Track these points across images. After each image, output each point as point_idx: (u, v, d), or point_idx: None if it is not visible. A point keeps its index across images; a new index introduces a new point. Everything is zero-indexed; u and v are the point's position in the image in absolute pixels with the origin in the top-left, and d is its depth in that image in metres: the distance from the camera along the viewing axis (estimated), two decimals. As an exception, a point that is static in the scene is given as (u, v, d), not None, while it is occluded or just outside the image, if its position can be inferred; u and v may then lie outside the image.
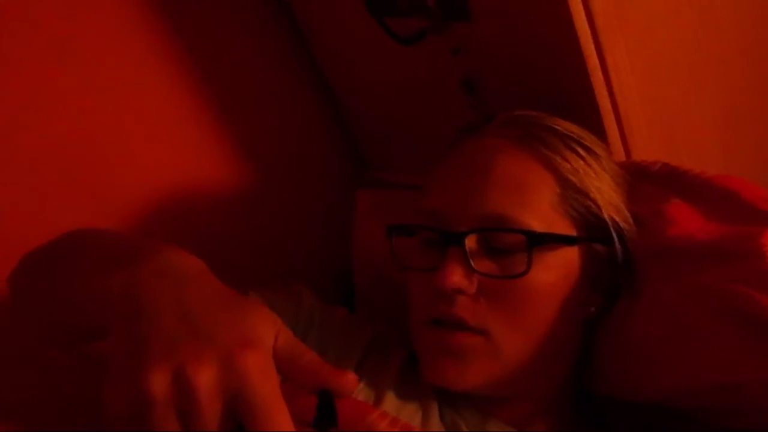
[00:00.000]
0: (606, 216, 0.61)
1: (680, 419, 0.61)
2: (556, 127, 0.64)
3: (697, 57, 0.81)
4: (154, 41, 0.86)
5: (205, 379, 0.35)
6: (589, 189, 0.61)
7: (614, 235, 0.61)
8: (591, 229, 0.61)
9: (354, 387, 0.40)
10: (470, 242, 0.58)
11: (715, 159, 0.86)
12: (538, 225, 0.58)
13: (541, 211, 0.59)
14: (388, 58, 0.88)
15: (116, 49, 0.83)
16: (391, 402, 0.61)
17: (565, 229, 0.60)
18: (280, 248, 0.98)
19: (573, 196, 0.60)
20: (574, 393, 0.67)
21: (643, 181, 0.67)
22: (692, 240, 0.57)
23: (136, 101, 0.85)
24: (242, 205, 0.94)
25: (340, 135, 1.05)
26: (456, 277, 0.57)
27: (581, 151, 0.63)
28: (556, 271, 0.59)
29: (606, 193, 0.62)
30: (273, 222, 0.97)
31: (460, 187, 0.61)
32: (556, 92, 0.73)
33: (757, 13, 0.90)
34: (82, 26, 0.80)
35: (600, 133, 0.72)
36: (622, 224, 0.62)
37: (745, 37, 0.88)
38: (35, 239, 0.58)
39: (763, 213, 0.56)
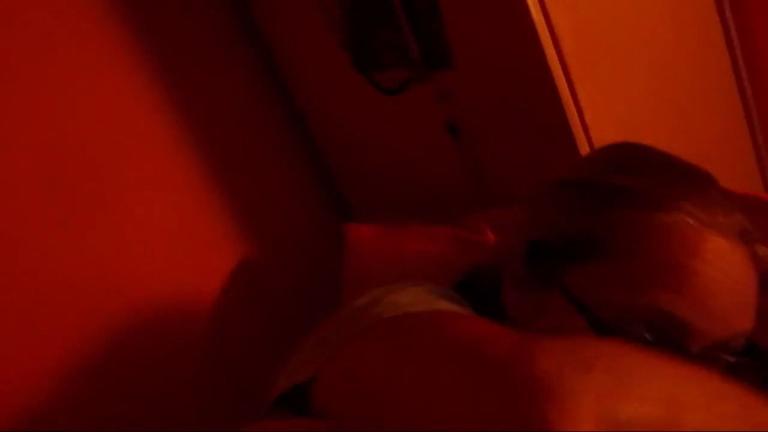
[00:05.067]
0: None
1: None
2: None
3: (662, 86, 0.88)
4: (150, 99, 0.89)
5: None
6: None
7: None
8: None
9: None
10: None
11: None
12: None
13: None
14: (372, 108, 0.93)
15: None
16: None
17: None
18: (268, 303, 0.99)
19: None
20: None
21: None
22: None
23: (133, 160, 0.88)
24: (230, 264, 0.96)
25: (324, 187, 1.08)
26: None
27: None
28: None
29: None
30: (258, 282, 0.98)
31: (717, 304, 0.49)
32: (533, 129, 0.79)
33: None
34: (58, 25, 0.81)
35: None
36: None
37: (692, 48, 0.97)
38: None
39: None
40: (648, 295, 0.48)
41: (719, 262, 0.49)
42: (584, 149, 0.78)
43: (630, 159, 0.57)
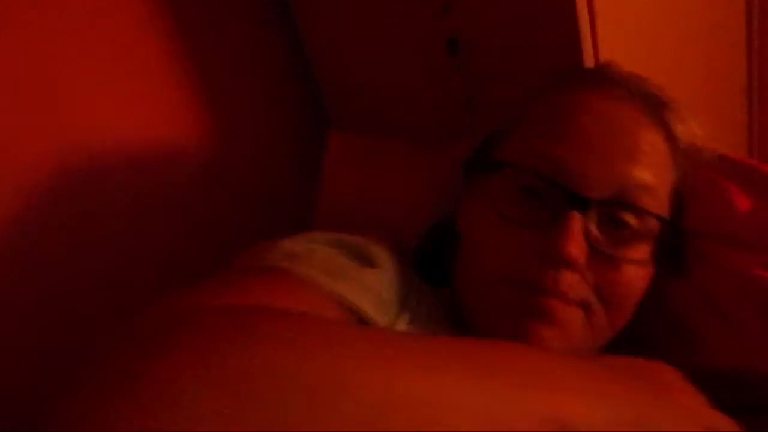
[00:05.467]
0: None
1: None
2: (672, 104, 0.59)
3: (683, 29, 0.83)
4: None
5: None
6: (687, 178, 0.59)
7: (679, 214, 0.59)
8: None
9: None
10: (595, 211, 0.53)
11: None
12: (664, 213, 0.56)
13: (665, 197, 0.57)
14: (371, 12, 0.86)
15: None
16: None
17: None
18: (240, 205, 0.94)
19: (679, 185, 0.58)
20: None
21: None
22: (741, 226, 0.57)
23: (98, 50, 0.79)
24: (204, 158, 0.90)
25: (305, 91, 1.01)
26: (577, 248, 0.51)
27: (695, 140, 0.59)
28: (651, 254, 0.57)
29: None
30: (231, 178, 0.93)
31: (600, 147, 0.54)
32: (541, 56, 0.73)
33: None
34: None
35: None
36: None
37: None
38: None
39: None
40: (537, 144, 0.55)
41: (604, 115, 0.55)
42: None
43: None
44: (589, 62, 0.71)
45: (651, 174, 0.54)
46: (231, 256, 0.53)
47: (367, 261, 0.54)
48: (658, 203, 0.55)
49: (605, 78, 0.59)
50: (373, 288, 0.51)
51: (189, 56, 0.88)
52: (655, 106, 0.57)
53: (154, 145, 0.85)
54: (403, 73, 0.88)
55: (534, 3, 0.72)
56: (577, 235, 0.51)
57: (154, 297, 0.39)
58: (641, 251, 0.55)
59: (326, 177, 0.77)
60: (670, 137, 0.57)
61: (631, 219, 0.54)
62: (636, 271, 0.54)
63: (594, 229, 0.53)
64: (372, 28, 0.88)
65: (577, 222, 0.51)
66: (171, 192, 0.87)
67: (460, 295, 0.58)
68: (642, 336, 0.60)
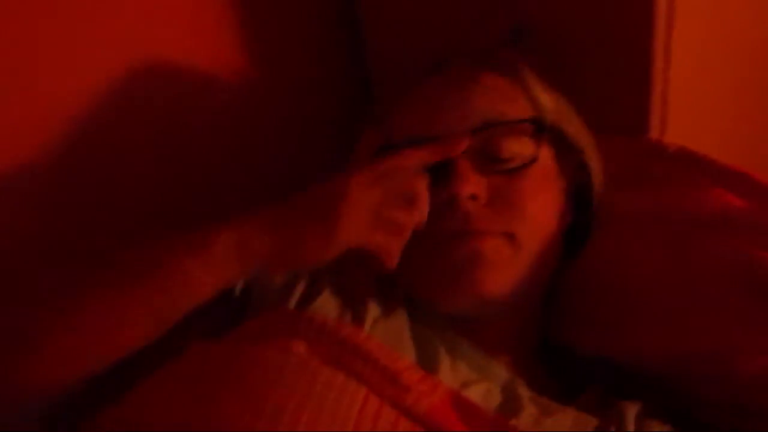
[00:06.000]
0: (580, 145, 0.65)
1: (637, 382, 0.62)
2: (525, 64, 0.66)
3: (759, 48, 0.79)
4: None
5: None
6: (567, 117, 0.65)
7: (588, 165, 0.65)
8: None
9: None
10: (472, 147, 0.59)
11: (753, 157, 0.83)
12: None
13: (523, 110, 0.63)
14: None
15: None
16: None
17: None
18: (271, 173, 0.92)
19: (547, 114, 0.63)
20: (538, 339, 0.67)
21: (657, 159, 0.68)
22: (704, 209, 0.60)
23: None
24: (242, 91, 0.88)
25: (356, 68, 0.99)
26: (470, 182, 0.58)
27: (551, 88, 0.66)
28: (547, 166, 0.63)
29: (581, 127, 0.66)
30: (270, 111, 0.92)
31: (443, 104, 0.62)
32: (607, 53, 0.71)
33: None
34: None
35: (642, 106, 0.71)
36: (593, 165, 0.66)
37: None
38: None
39: None
40: (405, 121, 0.64)
41: (448, 80, 0.64)
42: (657, 88, 0.70)
43: None
44: (659, 59, 0.68)
45: (497, 96, 0.62)
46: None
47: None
48: (517, 113, 0.61)
49: (448, 62, 0.68)
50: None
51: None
52: (499, 63, 0.65)
53: (195, 72, 0.84)
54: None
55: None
56: (465, 171, 0.58)
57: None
58: (527, 149, 0.60)
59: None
60: (517, 79, 0.64)
61: (500, 135, 0.60)
62: (533, 176, 0.60)
63: (478, 160, 0.59)
64: (432, 14, 0.85)
65: (459, 162, 0.58)
66: (209, 118, 0.86)
67: (411, 279, 0.62)
68: (571, 317, 0.66)
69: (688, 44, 0.69)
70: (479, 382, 0.57)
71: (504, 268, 0.59)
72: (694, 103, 0.75)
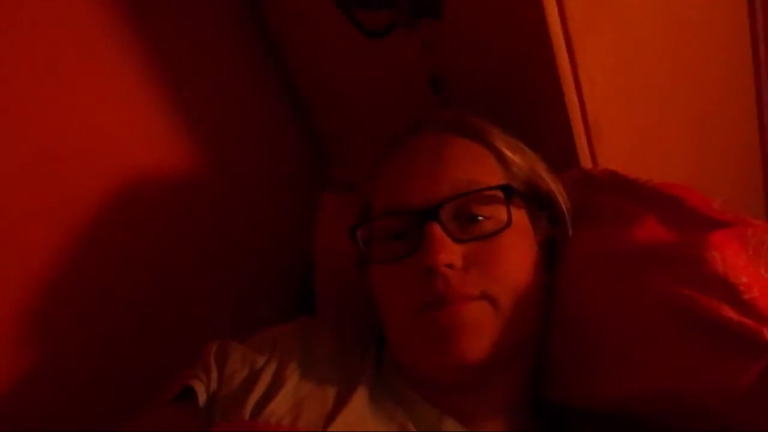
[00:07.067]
0: (552, 197, 0.65)
1: (633, 428, 0.61)
2: (493, 126, 0.67)
3: (671, 61, 0.80)
4: (117, 32, 0.82)
5: None
6: (537, 173, 0.65)
7: (561, 207, 0.65)
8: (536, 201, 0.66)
9: None
10: (446, 215, 0.60)
11: (685, 165, 0.84)
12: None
13: (498, 178, 0.63)
14: (354, 53, 0.85)
15: (79, 38, 0.79)
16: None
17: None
18: (239, 245, 0.95)
19: (518, 175, 0.64)
20: (530, 397, 0.66)
21: (592, 189, 0.67)
22: (638, 244, 0.59)
23: (98, 91, 0.81)
24: (200, 200, 0.91)
25: (301, 131, 1.02)
26: (445, 251, 0.58)
27: (519, 144, 0.67)
28: (521, 227, 0.63)
29: (549, 177, 0.66)
30: (231, 218, 0.94)
31: (417, 173, 0.63)
32: (523, 93, 0.72)
33: (731, 17, 0.89)
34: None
35: (567, 137, 0.71)
36: (564, 204, 0.66)
37: (718, 41, 0.87)
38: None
39: (706, 219, 0.57)
40: (381, 196, 0.65)
41: (421, 148, 0.65)
42: (576, 117, 0.71)
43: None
44: (570, 93, 0.70)
45: (468, 163, 0.63)
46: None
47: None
48: (488, 178, 0.62)
49: (421, 125, 0.68)
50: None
51: (185, 102, 0.89)
52: (469, 129, 0.66)
53: (148, 179, 0.87)
54: (389, 112, 0.87)
55: (511, 37, 0.70)
56: (441, 239, 0.58)
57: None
58: (500, 214, 0.61)
59: (320, 236, 0.77)
60: (487, 144, 0.65)
61: (475, 204, 0.60)
62: (508, 237, 0.60)
63: (453, 228, 0.60)
64: (358, 69, 0.87)
65: (434, 229, 0.58)
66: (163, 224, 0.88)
67: (392, 345, 0.64)
68: (555, 373, 0.65)
69: (594, 68, 0.70)
70: None
71: (486, 332, 0.58)
72: (618, 124, 0.76)
